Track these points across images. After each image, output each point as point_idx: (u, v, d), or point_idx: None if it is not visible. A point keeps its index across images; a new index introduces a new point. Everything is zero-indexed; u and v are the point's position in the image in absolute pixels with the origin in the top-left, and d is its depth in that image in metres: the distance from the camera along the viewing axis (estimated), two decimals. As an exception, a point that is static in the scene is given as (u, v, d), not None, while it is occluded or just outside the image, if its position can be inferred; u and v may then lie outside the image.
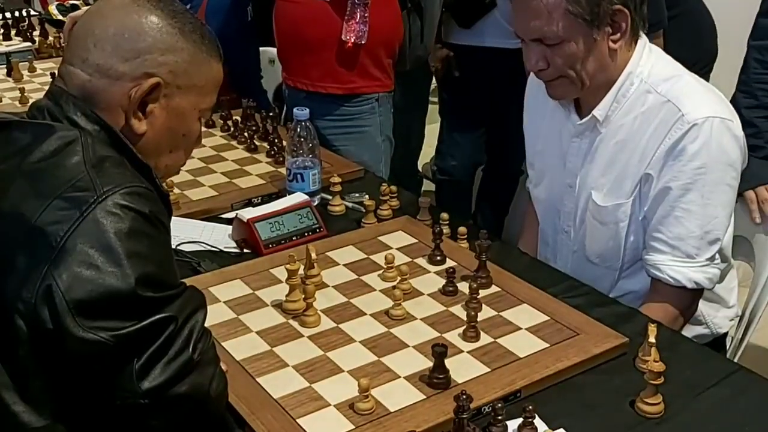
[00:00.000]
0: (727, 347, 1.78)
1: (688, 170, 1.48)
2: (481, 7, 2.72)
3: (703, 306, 1.65)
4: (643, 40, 1.56)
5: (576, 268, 1.68)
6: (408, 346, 1.36)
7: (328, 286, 1.53)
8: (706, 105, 1.49)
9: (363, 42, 2.34)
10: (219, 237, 1.75)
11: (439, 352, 1.24)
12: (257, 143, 2.22)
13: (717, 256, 1.54)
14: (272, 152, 2.15)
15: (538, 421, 1.17)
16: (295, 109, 1.88)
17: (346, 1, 2.33)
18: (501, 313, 1.45)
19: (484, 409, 1.21)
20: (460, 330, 1.39)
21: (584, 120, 1.60)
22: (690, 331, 1.63)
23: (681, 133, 1.47)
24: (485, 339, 1.37)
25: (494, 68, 2.76)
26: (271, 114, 2.29)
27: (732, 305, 1.74)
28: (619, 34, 1.50)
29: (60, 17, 3.61)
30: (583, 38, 1.48)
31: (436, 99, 3.28)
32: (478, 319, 1.38)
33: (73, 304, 0.94)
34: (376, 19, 2.36)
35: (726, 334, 1.76)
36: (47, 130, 1.07)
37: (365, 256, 1.65)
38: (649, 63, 1.55)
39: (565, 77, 1.53)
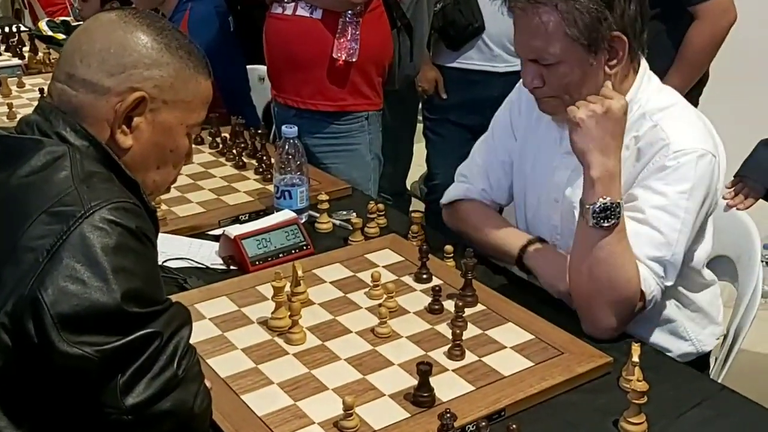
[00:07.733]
0: (711, 367, 1.79)
1: (670, 192, 1.49)
2: (469, 29, 2.74)
3: (689, 323, 1.66)
4: (643, 67, 1.58)
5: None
6: (393, 364, 1.36)
7: (314, 303, 1.53)
8: (692, 137, 1.51)
9: (354, 60, 2.36)
10: (206, 254, 1.75)
11: (424, 370, 1.25)
12: (245, 160, 2.23)
13: None
14: (260, 169, 2.16)
15: (522, 440, 1.17)
16: (283, 127, 1.89)
17: (337, 18, 2.35)
18: (486, 332, 1.45)
19: (469, 428, 1.21)
20: (445, 348, 1.39)
21: None
22: (675, 348, 1.64)
23: (664, 159, 1.49)
24: (470, 357, 1.38)
25: (481, 90, 2.78)
26: (259, 131, 2.30)
27: (718, 322, 1.75)
28: (615, 60, 1.52)
29: (50, 33, 3.62)
30: (579, 61, 1.50)
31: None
32: (464, 338, 1.39)
33: (59, 319, 0.94)
34: (366, 37, 2.37)
35: (710, 353, 1.77)
36: (36, 145, 1.07)
37: (352, 273, 1.65)
38: (648, 91, 1.57)
39: (559, 98, 1.55)
